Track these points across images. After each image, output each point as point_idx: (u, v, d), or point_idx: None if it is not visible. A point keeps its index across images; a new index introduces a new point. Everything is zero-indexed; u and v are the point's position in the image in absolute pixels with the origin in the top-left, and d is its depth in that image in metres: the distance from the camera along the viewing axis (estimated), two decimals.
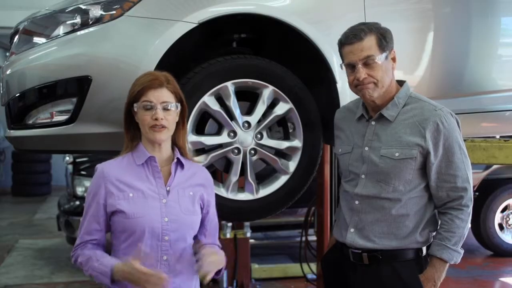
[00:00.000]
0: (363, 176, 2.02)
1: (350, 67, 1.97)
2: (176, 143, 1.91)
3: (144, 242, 1.80)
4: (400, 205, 1.99)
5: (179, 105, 1.86)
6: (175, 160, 1.88)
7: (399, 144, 1.96)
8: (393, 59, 2.00)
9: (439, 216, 2.03)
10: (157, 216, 1.82)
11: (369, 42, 1.92)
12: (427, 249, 2.04)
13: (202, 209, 1.93)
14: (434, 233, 2.05)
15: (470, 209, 1.99)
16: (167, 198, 1.84)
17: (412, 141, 1.95)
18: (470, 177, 2.00)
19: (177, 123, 1.87)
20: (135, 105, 1.82)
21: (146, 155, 1.85)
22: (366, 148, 2.03)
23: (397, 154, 1.96)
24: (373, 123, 2.04)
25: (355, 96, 2.15)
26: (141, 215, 1.80)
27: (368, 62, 1.92)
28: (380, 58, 1.93)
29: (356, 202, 2.03)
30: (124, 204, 1.81)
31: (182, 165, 1.90)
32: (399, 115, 2.00)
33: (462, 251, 1.99)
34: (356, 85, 1.98)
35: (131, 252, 1.80)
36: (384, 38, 1.95)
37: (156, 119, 1.79)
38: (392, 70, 2.00)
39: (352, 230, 2.04)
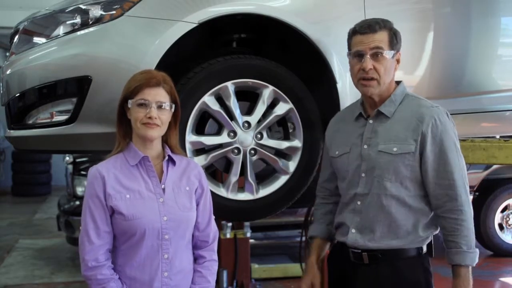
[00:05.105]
0: (363, 175, 2.02)
1: (357, 57, 1.98)
2: (167, 142, 1.91)
3: (145, 242, 1.80)
4: (399, 203, 1.98)
5: (173, 105, 1.87)
6: (166, 158, 1.89)
7: (397, 140, 1.97)
8: (398, 61, 2.03)
9: (441, 222, 2.00)
10: (156, 215, 1.82)
11: (381, 36, 1.96)
12: (428, 247, 2.04)
13: (198, 204, 1.93)
14: (438, 233, 2.06)
15: (468, 208, 1.98)
16: (164, 197, 1.85)
17: (409, 136, 1.95)
18: (465, 178, 1.98)
19: (169, 123, 1.88)
20: (129, 101, 1.82)
21: (139, 155, 1.85)
22: (365, 147, 2.02)
23: (395, 149, 1.96)
24: (371, 121, 2.04)
25: (354, 96, 2.14)
26: (140, 217, 1.80)
27: (376, 54, 1.95)
28: (388, 54, 1.96)
29: (358, 203, 2.02)
30: (122, 205, 1.80)
31: (173, 162, 1.91)
32: (396, 112, 2.01)
33: (477, 250, 2.00)
34: (359, 78, 1.99)
35: (130, 253, 1.81)
36: (395, 37, 1.99)
37: (149, 118, 1.80)
38: (394, 71, 2.03)
39: (353, 231, 2.03)
